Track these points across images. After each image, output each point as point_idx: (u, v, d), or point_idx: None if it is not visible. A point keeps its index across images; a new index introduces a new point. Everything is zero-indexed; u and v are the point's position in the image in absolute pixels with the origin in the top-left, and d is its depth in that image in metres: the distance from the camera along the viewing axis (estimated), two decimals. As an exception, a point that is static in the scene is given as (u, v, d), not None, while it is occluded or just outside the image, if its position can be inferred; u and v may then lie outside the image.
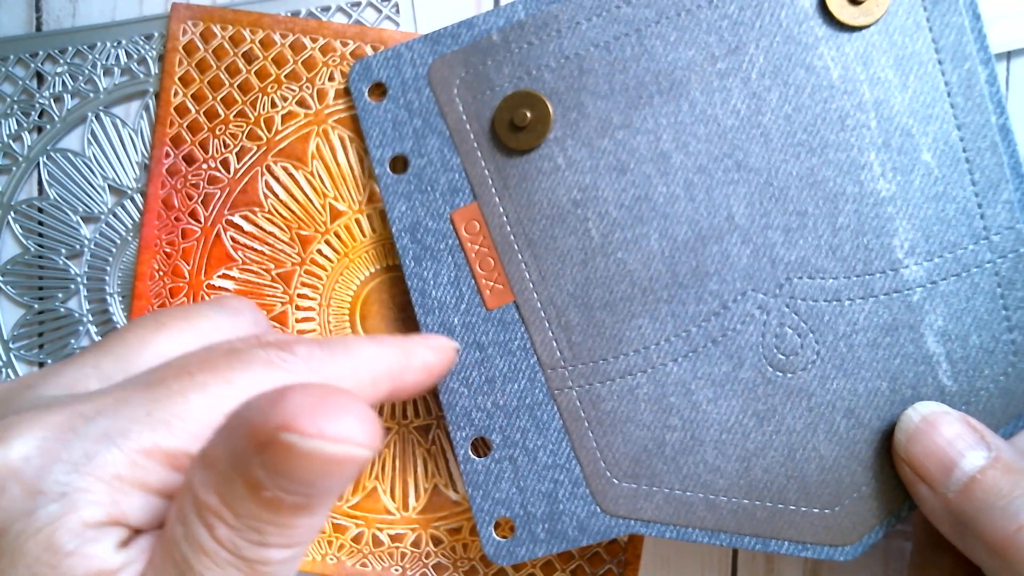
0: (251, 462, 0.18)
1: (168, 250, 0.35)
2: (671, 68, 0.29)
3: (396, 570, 0.34)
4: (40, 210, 0.37)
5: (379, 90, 0.32)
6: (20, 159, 0.37)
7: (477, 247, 0.30)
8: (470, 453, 0.30)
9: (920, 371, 0.28)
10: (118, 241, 0.36)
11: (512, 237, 0.30)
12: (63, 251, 0.36)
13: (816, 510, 0.28)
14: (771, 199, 0.28)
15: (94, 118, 0.37)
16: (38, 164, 0.37)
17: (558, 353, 0.30)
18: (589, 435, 0.29)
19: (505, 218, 0.30)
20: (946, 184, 0.27)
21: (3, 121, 0.37)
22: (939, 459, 0.26)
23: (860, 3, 0.28)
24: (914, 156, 0.28)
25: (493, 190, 0.30)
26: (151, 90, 0.37)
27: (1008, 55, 0.35)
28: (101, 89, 0.37)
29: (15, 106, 0.37)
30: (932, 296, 0.28)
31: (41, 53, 0.37)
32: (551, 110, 0.30)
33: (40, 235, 0.37)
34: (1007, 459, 0.25)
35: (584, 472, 0.29)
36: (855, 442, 0.28)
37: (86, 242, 0.36)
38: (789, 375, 0.28)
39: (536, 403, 0.30)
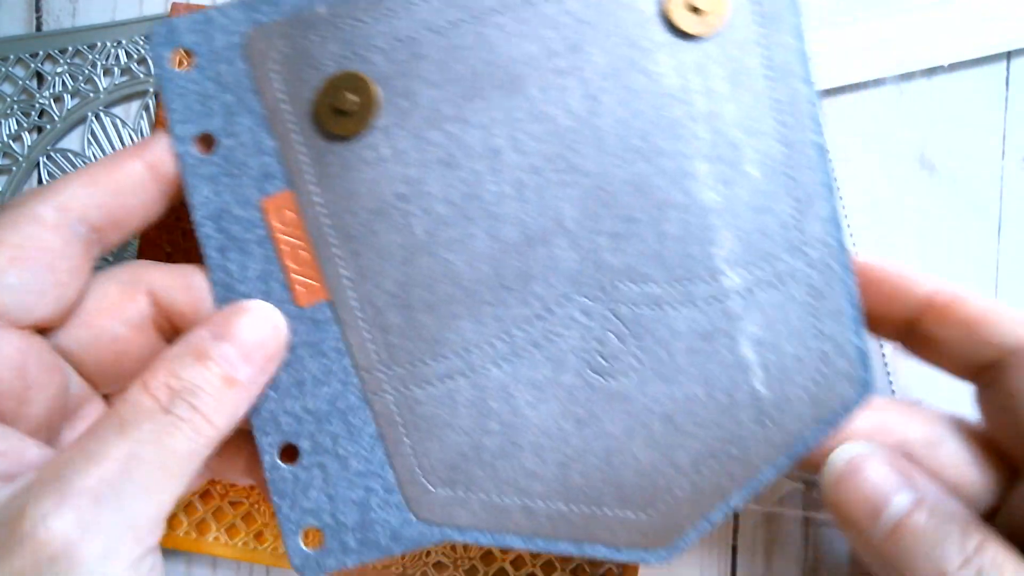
0: (203, 337, 0.26)
1: (169, 250, 0.35)
2: (509, 61, 0.28)
3: (396, 569, 0.35)
4: (39, 211, 0.38)
5: (186, 57, 0.28)
6: (20, 159, 0.37)
7: (290, 239, 0.28)
8: (277, 460, 0.28)
9: (735, 377, 0.28)
10: (119, 241, 0.36)
11: (329, 230, 0.28)
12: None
13: (630, 514, 0.28)
14: (601, 204, 0.28)
15: (94, 118, 0.37)
16: (38, 164, 0.37)
17: (374, 355, 0.28)
18: (405, 441, 0.28)
19: (322, 209, 0.28)
20: (768, 197, 0.28)
21: (3, 121, 0.37)
22: (865, 505, 0.25)
23: (700, 13, 0.27)
24: (740, 169, 0.28)
25: (310, 178, 0.28)
26: (151, 90, 0.37)
27: (1008, 55, 0.35)
28: (101, 89, 0.37)
29: (15, 106, 0.37)
30: (749, 305, 0.28)
31: (41, 53, 0.38)
32: (378, 95, 0.28)
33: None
34: (932, 501, 0.25)
35: (398, 479, 0.28)
36: (671, 447, 0.28)
37: (87, 242, 0.36)
38: (610, 380, 0.28)
39: (349, 408, 0.28)
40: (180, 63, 0.28)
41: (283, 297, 0.28)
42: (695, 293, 0.28)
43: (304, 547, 0.28)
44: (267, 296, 0.28)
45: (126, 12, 0.37)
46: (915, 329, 0.28)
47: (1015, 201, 0.37)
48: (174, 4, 0.35)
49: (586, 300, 0.28)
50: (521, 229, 0.28)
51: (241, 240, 0.28)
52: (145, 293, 0.28)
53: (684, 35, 0.28)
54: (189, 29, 0.28)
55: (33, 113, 0.37)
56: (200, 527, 0.36)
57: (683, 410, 0.28)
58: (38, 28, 0.38)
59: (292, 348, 0.28)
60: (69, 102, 0.37)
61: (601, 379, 0.28)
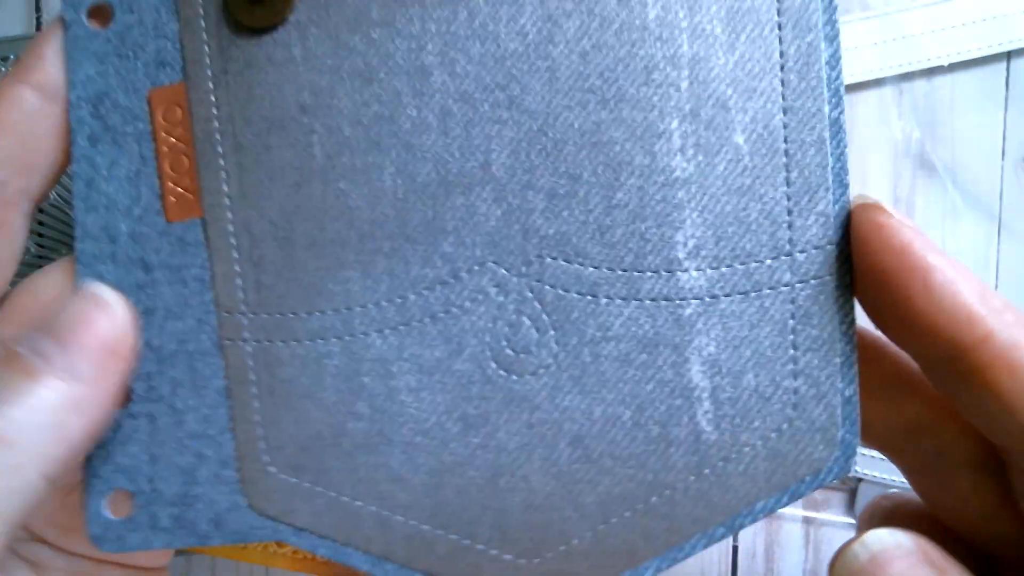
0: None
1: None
2: None
3: None
4: (40, 210, 0.35)
5: None
6: (21, 159, 0.37)
7: (173, 140, 0.23)
8: None
9: (675, 405, 0.21)
10: (118, 240, 0.33)
11: (218, 136, 0.23)
12: (63, 251, 0.35)
13: (509, 557, 0.22)
14: (541, 152, 0.22)
15: (95, 118, 0.36)
16: (38, 164, 0.37)
17: (240, 293, 0.23)
18: (255, 405, 0.23)
19: (215, 110, 0.23)
20: (755, 177, 0.21)
21: (3, 121, 0.37)
22: None
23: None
24: (725, 135, 0.21)
25: (209, 72, 0.23)
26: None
27: (1008, 55, 0.36)
28: (102, 89, 0.37)
29: (16, 106, 0.37)
30: (709, 314, 0.21)
31: (42, 53, 0.37)
32: (299, -16, 0.23)
33: (40, 235, 0.36)
34: None
35: (237, 451, 0.23)
36: (576, 480, 0.22)
37: (87, 242, 0.33)
38: (514, 377, 0.22)
39: (199, 351, 0.23)
40: None
41: (152, 207, 0.23)
42: (642, 287, 0.22)
43: (108, 514, 0.23)
44: (134, 202, 0.23)
45: (126, 12, 0.38)
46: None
47: (1015, 201, 0.37)
48: None
49: (503, 271, 0.22)
50: (438, 169, 0.22)
51: (118, 132, 0.23)
52: None
53: None
54: None
55: (33, 113, 0.37)
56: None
57: (600, 434, 0.22)
58: (38, 28, 0.37)
59: (149, 268, 0.23)
60: (69, 102, 0.37)
61: (504, 374, 0.22)
